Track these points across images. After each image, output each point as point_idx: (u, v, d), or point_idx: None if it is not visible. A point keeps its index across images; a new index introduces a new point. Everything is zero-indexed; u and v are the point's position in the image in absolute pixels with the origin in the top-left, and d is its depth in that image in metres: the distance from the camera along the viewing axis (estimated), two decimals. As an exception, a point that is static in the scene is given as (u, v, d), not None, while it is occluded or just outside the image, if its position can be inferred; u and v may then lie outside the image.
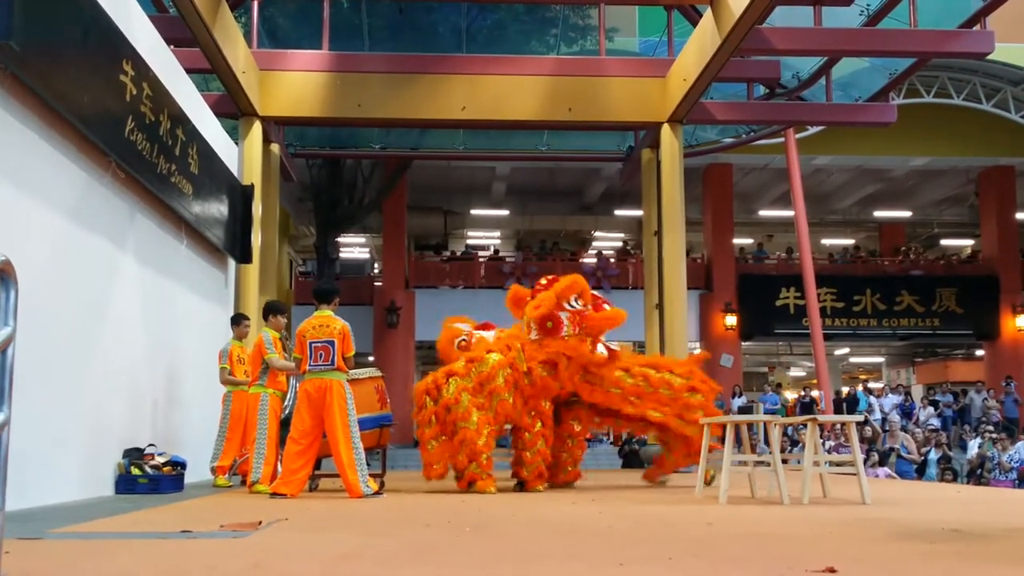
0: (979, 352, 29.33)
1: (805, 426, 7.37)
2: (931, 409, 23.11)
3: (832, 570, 3.28)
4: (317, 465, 8.37)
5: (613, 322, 8.89)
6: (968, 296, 26.87)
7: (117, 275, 8.24)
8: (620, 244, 30.30)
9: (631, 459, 16.61)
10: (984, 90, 21.59)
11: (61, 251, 6.97)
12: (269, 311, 9.29)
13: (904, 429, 17.85)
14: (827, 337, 21.62)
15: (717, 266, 26.31)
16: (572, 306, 8.67)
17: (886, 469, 15.13)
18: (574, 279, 8.90)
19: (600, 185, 27.89)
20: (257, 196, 12.61)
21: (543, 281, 9.12)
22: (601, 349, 9.14)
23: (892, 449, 16.27)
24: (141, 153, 8.17)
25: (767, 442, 8.84)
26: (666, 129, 13.30)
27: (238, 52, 11.50)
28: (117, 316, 8.18)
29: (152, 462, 8.25)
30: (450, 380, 8.48)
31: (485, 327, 9.80)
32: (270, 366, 8.76)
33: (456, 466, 8.48)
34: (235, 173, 12.38)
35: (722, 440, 7.55)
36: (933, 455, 16.90)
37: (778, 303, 26.33)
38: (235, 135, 12.97)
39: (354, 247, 31.40)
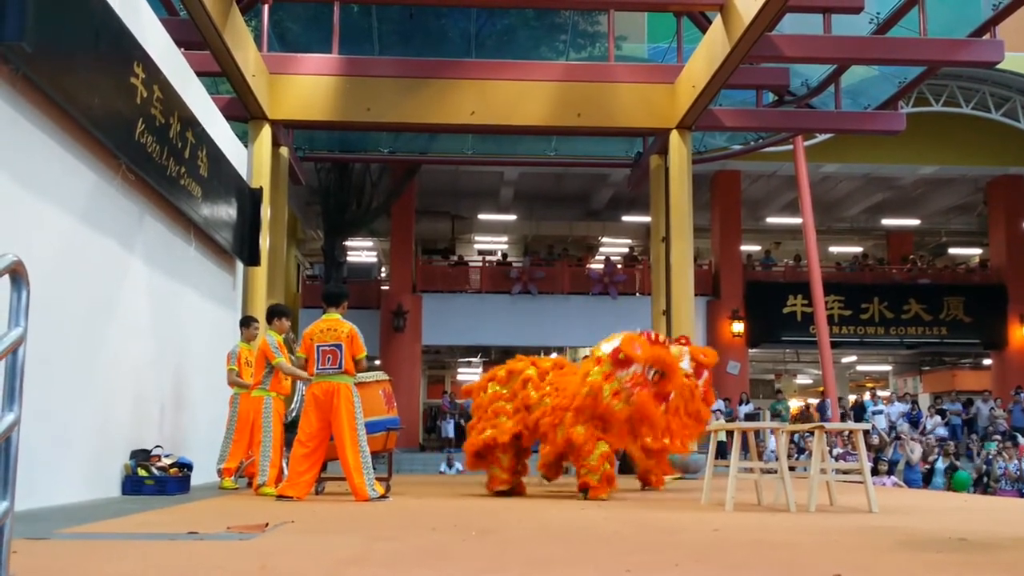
0: (987, 361, 29.27)
1: (812, 434, 7.36)
2: (938, 418, 23.07)
3: (839, 578, 3.27)
4: (324, 468, 8.38)
5: (652, 423, 8.39)
6: (976, 305, 26.84)
7: (126, 277, 8.26)
8: (627, 250, 30.30)
9: (627, 464, 16.41)
10: (993, 99, 21.57)
11: (70, 252, 7.00)
12: (273, 314, 9.30)
13: (911, 438, 17.82)
14: (834, 345, 21.59)
15: (724, 273, 26.29)
16: (646, 372, 8.15)
17: (893, 478, 15.10)
18: (671, 360, 8.36)
19: (608, 191, 27.91)
20: (266, 199, 12.64)
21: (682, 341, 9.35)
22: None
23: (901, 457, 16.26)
24: (151, 155, 8.19)
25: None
26: (675, 135, 13.30)
27: (248, 55, 11.53)
28: (125, 317, 8.20)
29: (159, 463, 8.26)
30: (489, 385, 9.08)
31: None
32: (280, 371, 8.77)
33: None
34: (244, 176, 12.41)
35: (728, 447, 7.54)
36: (940, 464, 16.88)
37: (785, 310, 26.32)
38: (244, 138, 13.00)
39: (362, 251, 31.45)
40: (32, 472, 5.85)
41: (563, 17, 15.47)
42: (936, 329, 26.90)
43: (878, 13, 12.55)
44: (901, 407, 23.61)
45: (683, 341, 10.22)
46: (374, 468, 7.88)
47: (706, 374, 9.92)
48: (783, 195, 27.98)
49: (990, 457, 17.57)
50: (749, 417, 21.58)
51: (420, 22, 15.11)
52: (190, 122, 9.43)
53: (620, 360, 8.09)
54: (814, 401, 27.21)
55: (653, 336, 8.51)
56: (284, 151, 13.91)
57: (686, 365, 9.77)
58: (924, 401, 27.50)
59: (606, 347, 8.33)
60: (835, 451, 15.37)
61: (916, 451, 16.64)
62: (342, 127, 15.28)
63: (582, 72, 13.84)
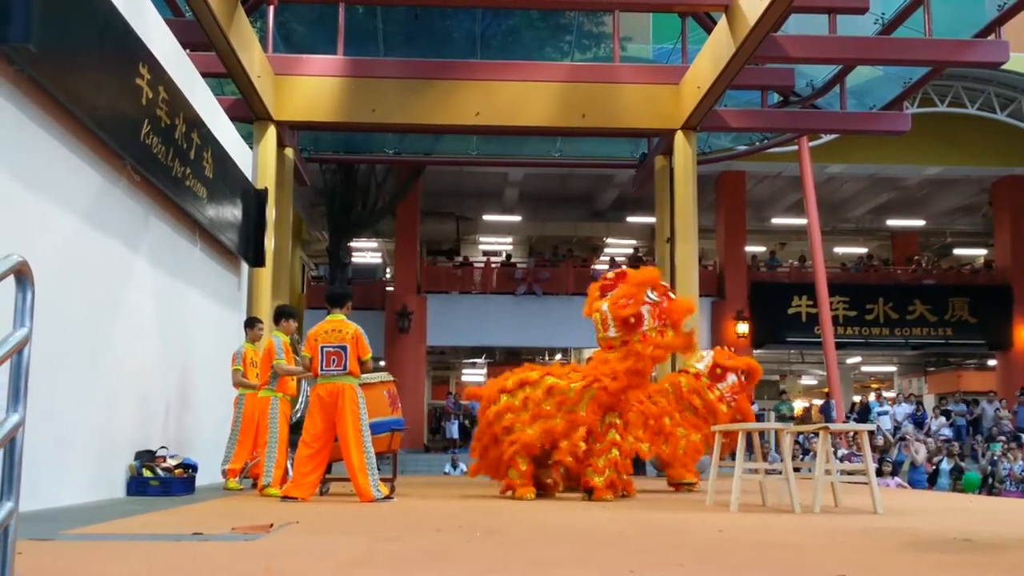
0: (992, 362, 29.20)
1: (817, 434, 7.35)
2: (943, 419, 23.03)
3: (843, 579, 3.26)
4: (328, 469, 8.38)
5: (689, 311, 8.66)
6: (981, 306, 26.77)
7: (131, 277, 8.28)
8: (632, 251, 30.26)
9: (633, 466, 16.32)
10: (998, 99, 21.53)
11: (75, 253, 7.01)
12: (280, 315, 9.31)
13: (915, 439, 17.80)
14: (839, 346, 21.56)
15: (729, 274, 26.26)
16: (650, 298, 8.37)
17: (897, 479, 15.07)
18: (648, 272, 8.69)
19: (612, 192, 27.89)
20: (271, 200, 12.65)
21: (610, 275, 8.90)
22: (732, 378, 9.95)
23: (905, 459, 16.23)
24: (156, 156, 8.20)
25: (778, 450, 8.83)
26: (679, 136, 13.29)
27: (253, 56, 11.54)
28: (130, 318, 8.21)
29: (164, 464, 8.27)
30: (501, 396, 8.77)
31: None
32: (277, 372, 8.78)
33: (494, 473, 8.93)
34: (249, 177, 12.42)
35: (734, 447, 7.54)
36: (945, 465, 16.84)
37: (790, 311, 26.27)
38: (250, 139, 13.01)
39: (367, 252, 31.45)
40: (37, 473, 5.86)
41: (568, 18, 15.47)
42: (941, 330, 26.84)
43: (883, 13, 12.54)
44: (906, 408, 23.57)
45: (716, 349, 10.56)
46: (378, 469, 7.88)
47: (731, 379, 9.95)
48: (788, 196, 27.93)
49: (995, 458, 17.54)
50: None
51: (425, 23, 15.12)
52: (195, 123, 9.43)
53: (632, 324, 8.20)
54: (818, 402, 27.16)
55: (607, 281, 8.66)
56: (289, 152, 13.92)
57: (702, 367, 9.91)
58: (929, 402, 27.46)
59: (612, 331, 8.35)
60: (840, 452, 15.35)
61: (921, 452, 16.61)
62: (347, 128, 15.30)
63: (587, 73, 13.84)
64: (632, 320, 8.21)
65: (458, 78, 13.46)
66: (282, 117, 13.01)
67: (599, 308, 8.49)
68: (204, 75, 10.92)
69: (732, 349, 9.92)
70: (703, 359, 10.07)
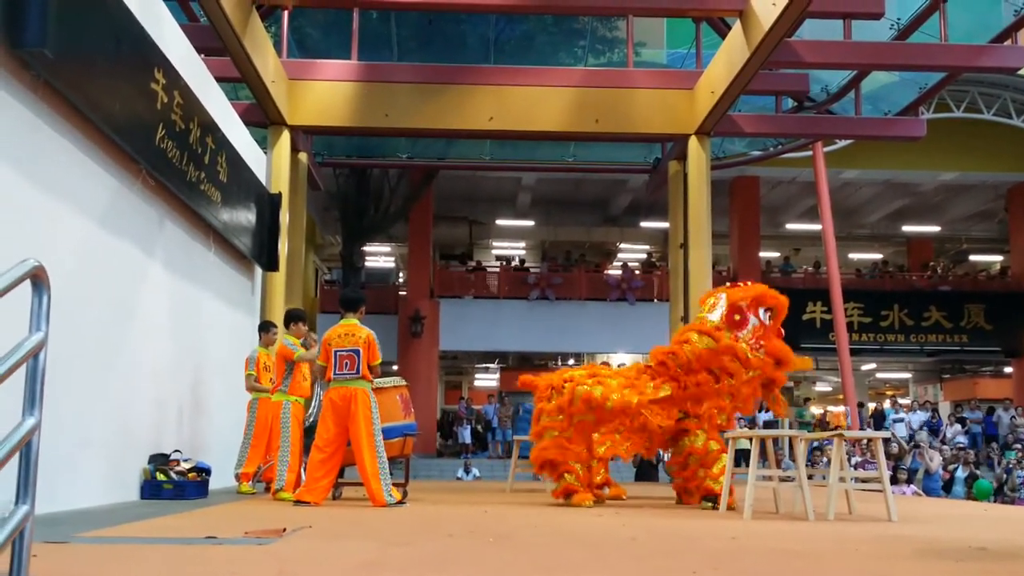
0: (1008, 369, 29.04)
1: (831, 441, 7.32)
2: (958, 426, 22.91)
3: (857, 587, 3.25)
4: (341, 473, 8.39)
5: (791, 362, 8.29)
6: (997, 313, 26.64)
7: (145, 281, 8.31)
8: (645, 256, 30.23)
9: (645, 472, 16.30)
10: (1014, 105, 21.45)
11: (90, 256, 7.04)
12: (290, 319, 9.33)
13: (930, 446, 17.70)
14: (854, 352, 21.44)
15: (743, 279, 26.01)
16: (761, 317, 8.19)
17: (912, 486, 14.99)
18: (779, 296, 8.37)
19: (626, 196, 27.87)
20: (284, 204, 12.68)
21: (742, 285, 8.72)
22: None
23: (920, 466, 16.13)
24: (171, 161, 8.23)
25: (792, 457, 8.73)
26: (693, 141, 13.26)
27: (268, 61, 11.58)
28: (144, 322, 8.24)
29: (177, 468, 8.30)
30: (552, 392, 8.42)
31: None
32: (300, 360, 8.80)
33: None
34: (263, 181, 12.45)
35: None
36: (960, 473, 16.73)
37: (805, 317, 26.15)
38: (264, 144, 13.05)
39: (380, 256, 31.50)
40: (52, 476, 5.88)
41: (582, 23, 15.47)
42: (956, 336, 26.71)
43: (899, 19, 12.50)
44: (922, 415, 23.45)
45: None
46: (391, 474, 7.89)
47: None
48: (802, 201, 27.87)
49: (1010, 466, 17.43)
50: (768, 425, 21.38)
51: (439, 28, 15.15)
52: (210, 127, 9.47)
53: (736, 321, 8.15)
54: (833, 409, 27.01)
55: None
56: (303, 156, 13.95)
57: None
58: (944, 409, 27.29)
59: (716, 315, 8.27)
60: (854, 459, 15.27)
61: (935, 460, 16.52)
62: (360, 132, 15.34)
63: (600, 78, 13.82)
64: (737, 317, 8.13)
65: (471, 83, 13.47)
66: (296, 122, 13.05)
67: (715, 294, 8.53)
68: (219, 80, 10.96)
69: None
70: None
